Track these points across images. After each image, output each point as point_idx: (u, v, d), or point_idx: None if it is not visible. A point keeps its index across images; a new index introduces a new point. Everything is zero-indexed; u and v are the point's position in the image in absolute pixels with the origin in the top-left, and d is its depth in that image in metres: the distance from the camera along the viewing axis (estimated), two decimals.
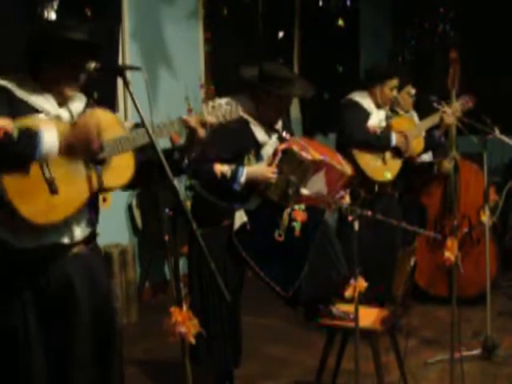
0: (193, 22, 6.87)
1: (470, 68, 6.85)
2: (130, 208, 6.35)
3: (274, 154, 4.02)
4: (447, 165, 5.76)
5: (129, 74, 2.72)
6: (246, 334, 4.44)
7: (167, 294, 6.53)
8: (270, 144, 4.15)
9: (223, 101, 3.14)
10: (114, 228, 6.13)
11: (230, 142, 4.00)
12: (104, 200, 5.78)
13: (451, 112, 5.38)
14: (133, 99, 2.60)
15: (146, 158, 2.97)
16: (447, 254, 3.72)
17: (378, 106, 5.38)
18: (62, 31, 2.78)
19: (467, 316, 5.45)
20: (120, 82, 5.81)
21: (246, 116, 4.07)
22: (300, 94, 4.32)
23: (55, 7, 5.38)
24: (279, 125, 4.23)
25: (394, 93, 5.36)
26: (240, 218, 4.09)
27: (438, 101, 5.41)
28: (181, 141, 3.12)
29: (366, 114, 5.30)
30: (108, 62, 5.54)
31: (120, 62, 6.13)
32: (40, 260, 2.80)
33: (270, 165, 3.99)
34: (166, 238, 5.92)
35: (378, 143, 5.23)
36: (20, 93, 2.77)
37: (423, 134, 5.48)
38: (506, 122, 5.43)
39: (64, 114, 2.84)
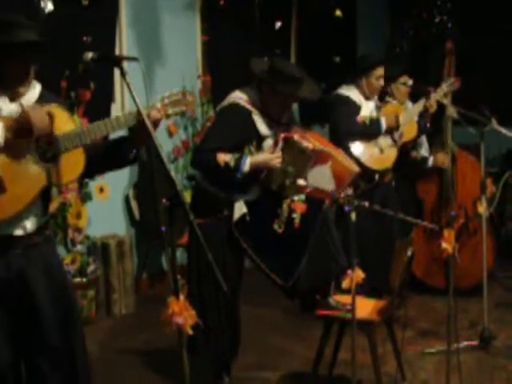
0: (190, 13, 6.85)
1: (467, 59, 6.83)
2: (127, 199, 6.34)
3: (276, 142, 4.02)
4: (440, 157, 5.78)
5: (126, 65, 2.72)
6: (244, 324, 4.45)
7: (164, 284, 6.53)
8: (272, 137, 4.15)
9: (175, 91, 3.10)
10: (111, 219, 6.13)
11: (231, 132, 4.01)
12: (101, 191, 5.79)
13: (434, 100, 5.42)
14: (130, 89, 2.60)
15: (96, 152, 2.99)
16: (444, 245, 3.72)
17: (367, 98, 5.37)
18: (9, 31, 2.75)
19: (464, 307, 5.47)
20: (117, 72, 5.80)
21: (248, 106, 4.07)
22: (304, 95, 4.24)
23: None
24: (284, 119, 4.23)
25: (381, 82, 5.34)
26: (240, 209, 4.10)
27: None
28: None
29: (357, 108, 5.29)
30: (105, 52, 5.56)
31: (117, 52, 6.11)
32: None
33: (272, 153, 4.00)
34: (163, 228, 5.92)
35: (369, 130, 5.23)
36: None
37: (415, 119, 5.49)
38: (503, 113, 5.43)
39: (15, 109, 2.81)
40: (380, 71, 5.31)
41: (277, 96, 4.06)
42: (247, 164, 3.95)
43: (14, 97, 2.83)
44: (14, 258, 2.85)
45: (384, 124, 5.24)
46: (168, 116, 3.06)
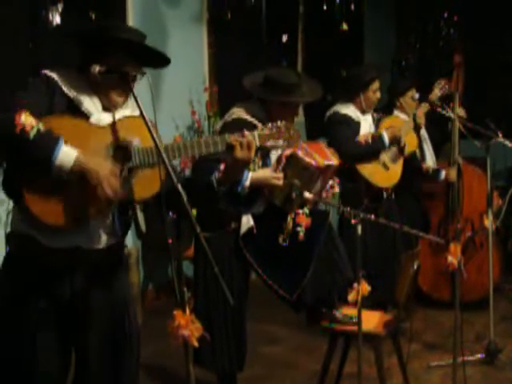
0: (197, 26, 6.88)
1: (474, 71, 6.85)
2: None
3: (279, 160, 4.02)
4: (453, 173, 5.72)
5: None
6: (249, 337, 4.44)
7: (170, 296, 6.52)
8: (278, 148, 4.15)
9: (281, 124, 2.97)
10: None
11: None
12: None
13: (421, 113, 5.46)
14: (137, 102, 2.59)
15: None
16: (450, 258, 3.72)
17: (364, 112, 5.36)
18: (119, 32, 2.71)
19: (470, 320, 5.45)
20: None
21: (254, 121, 4.07)
22: (307, 99, 4.28)
23: (59, 10, 5.38)
24: None
25: (378, 95, 5.34)
26: (247, 222, 4.09)
27: (444, 106, 5.44)
28: None
29: (357, 125, 5.28)
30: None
31: None
32: (61, 263, 2.73)
33: (274, 171, 4.00)
34: (170, 241, 5.91)
35: (373, 149, 5.17)
36: (66, 88, 2.69)
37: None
38: (510, 126, 5.43)
39: (105, 118, 2.72)
40: (376, 84, 5.31)
41: (281, 107, 4.06)
42: (248, 179, 3.94)
43: (108, 106, 2.75)
44: (80, 278, 2.77)
45: (387, 138, 5.19)
46: (264, 148, 2.96)
